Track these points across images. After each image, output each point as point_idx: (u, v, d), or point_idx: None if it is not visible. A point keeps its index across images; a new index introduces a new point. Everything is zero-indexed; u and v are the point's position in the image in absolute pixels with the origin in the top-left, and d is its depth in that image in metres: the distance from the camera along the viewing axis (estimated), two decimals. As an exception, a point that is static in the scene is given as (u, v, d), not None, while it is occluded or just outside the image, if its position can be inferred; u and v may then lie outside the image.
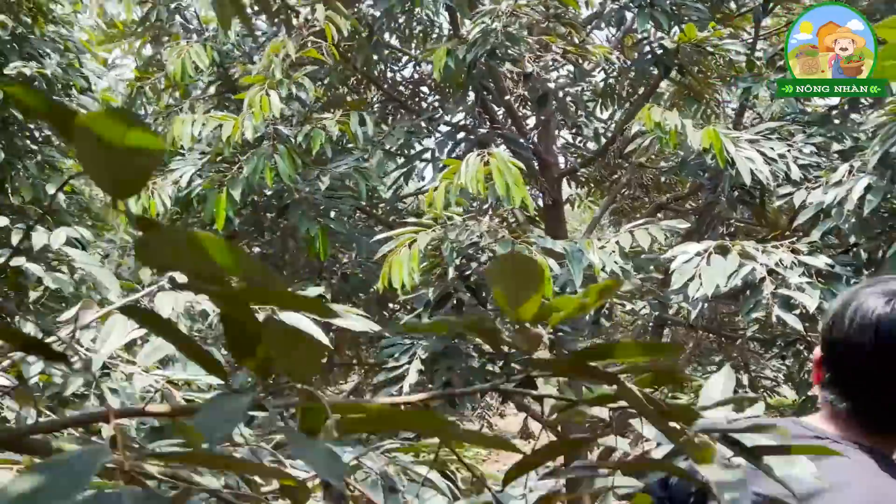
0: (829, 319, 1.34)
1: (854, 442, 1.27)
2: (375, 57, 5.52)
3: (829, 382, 1.33)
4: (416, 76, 6.64)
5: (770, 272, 4.20)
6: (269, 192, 4.85)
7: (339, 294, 5.04)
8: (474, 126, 5.78)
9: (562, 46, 4.68)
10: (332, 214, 4.66)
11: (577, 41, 4.78)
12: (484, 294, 4.31)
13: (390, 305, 5.79)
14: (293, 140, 4.46)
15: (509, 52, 4.52)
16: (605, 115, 10.12)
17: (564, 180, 10.12)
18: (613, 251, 4.36)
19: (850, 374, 1.30)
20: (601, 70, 5.96)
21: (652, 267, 4.90)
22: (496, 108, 6.40)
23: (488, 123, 6.06)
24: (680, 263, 4.08)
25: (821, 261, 4.24)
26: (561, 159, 9.60)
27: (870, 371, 1.27)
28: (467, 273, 4.28)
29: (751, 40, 5.76)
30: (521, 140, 5.83)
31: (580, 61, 4.97)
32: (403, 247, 3.89)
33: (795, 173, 4.66)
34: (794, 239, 4.55)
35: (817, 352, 1.36)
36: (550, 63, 4.94)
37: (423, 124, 5.31)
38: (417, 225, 4.10)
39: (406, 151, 5.36)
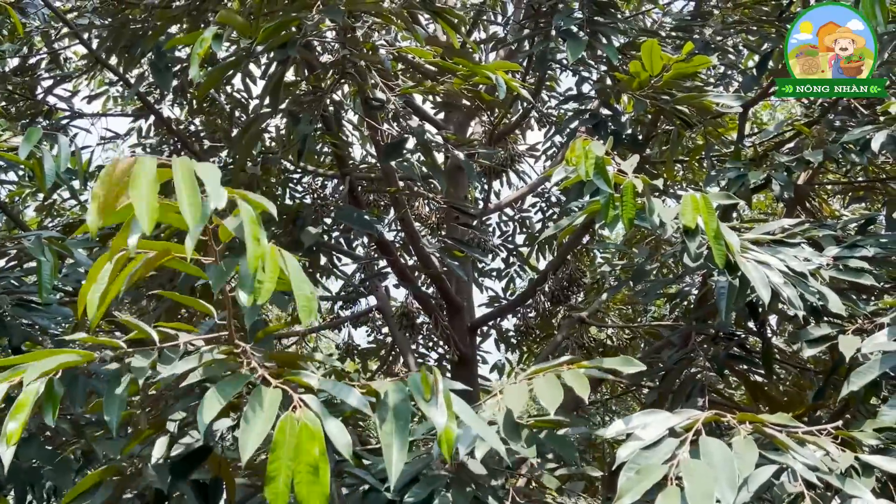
0: None
1: None
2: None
3: None
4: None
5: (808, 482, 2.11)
6: None
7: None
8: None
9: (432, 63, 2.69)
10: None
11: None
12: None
13: None
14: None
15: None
16: (543, 264, 8.27)
17: (492, 340, 8.08)
18: (494, 418, 2.18)
19: None
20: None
21: (576, 452, 2.72)
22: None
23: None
24: (635, 451, 1.91)
25: (905, 465, 2.15)
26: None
27: None
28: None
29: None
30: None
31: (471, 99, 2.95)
32: None
33: (835, 304, 2.63)
34: (838, 423, 2.43)
35: None
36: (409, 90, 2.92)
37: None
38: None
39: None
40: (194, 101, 5.69)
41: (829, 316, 2.74)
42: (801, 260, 2.66)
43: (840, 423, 2.41)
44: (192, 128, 6.37)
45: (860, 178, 4.84)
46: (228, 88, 6.02)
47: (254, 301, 1.53)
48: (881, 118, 3.03)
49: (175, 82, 5.26)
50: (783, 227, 2.88)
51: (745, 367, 3.41)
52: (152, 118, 5.96)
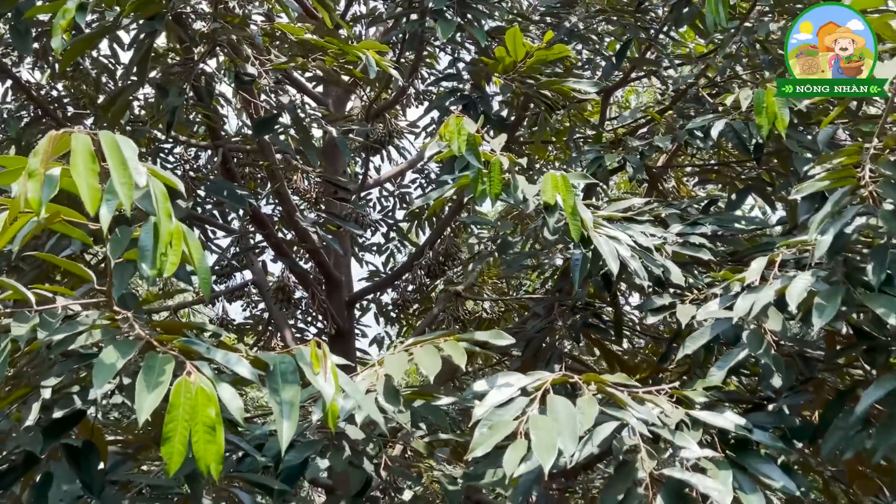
0: None
1: None
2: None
3: None
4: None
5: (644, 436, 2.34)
6: None
7: None
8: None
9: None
10: None
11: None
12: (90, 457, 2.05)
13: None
14: None
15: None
16: (423, 239, 8.40)
17: (372, 314, 8.15)
18: (373, 387, 2.34)
19: None
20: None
21: (448, 421, 2.90)
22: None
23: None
24: (489, 410, 2.07)
25: (728, 419, 2.43)
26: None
27: None
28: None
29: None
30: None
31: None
32: None
33: (677, 276, 2.90)
34: (676, 383, 2.70)
35: None
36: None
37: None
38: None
39: None
40: (57, 66, 5.41)
41: (672, 287, 3.00)
42: (648, 235, 2.91)
43: (677, 383, 2.68)
44: (55, 93, 6.05)
45: (713, 161, 5.24)
46: (94, 53, 5.76)
47: (158, 273, 1.57)
48: (719, 108, 3.31)
49: (36, 45, 4.99)
50: (633, 205, 3.13)
51: (600, 335, 3.67)
52: (9, 82, 5.62)
